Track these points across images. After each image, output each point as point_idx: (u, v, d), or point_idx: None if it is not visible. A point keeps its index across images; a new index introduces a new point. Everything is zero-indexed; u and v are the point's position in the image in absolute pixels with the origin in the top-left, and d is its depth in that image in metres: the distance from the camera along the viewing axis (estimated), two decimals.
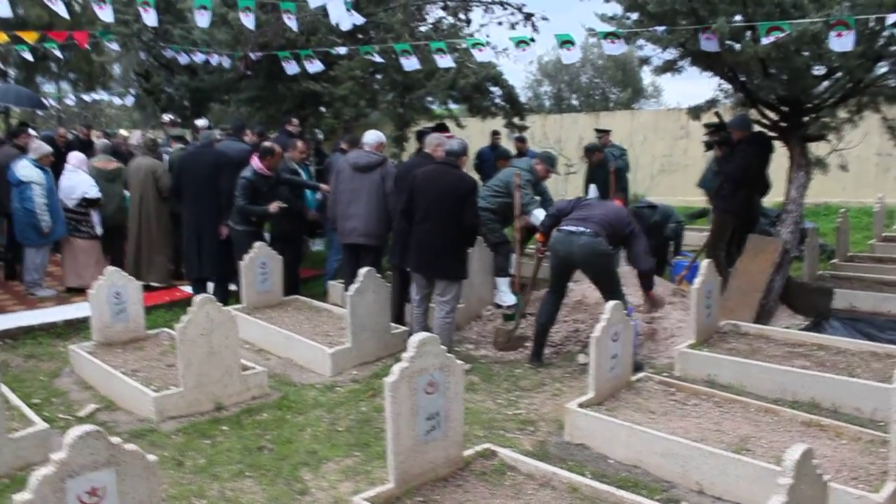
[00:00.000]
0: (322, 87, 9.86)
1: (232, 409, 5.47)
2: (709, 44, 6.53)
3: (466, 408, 5.33)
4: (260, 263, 7.62)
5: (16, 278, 9.34)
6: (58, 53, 11.83)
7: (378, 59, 9.21)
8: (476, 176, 9.60)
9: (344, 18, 8.03)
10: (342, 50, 9.62)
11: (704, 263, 6.08)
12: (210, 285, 8.08)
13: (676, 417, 4.59)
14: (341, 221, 7.45)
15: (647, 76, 31.71)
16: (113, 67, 22.01)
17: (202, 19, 8.76)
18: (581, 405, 4.67)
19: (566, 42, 7.33)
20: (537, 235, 6.45)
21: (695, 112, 7.76)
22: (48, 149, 8.51)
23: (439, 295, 6.13)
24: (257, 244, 7.61)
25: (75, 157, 8.82)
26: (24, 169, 8.13)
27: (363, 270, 6.45)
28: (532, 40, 9.13)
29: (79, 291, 8.48)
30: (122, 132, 13.05)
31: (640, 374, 5.34)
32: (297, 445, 4.80)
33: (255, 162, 7.51)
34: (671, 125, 16.59)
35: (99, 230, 8.72)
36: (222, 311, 5.50)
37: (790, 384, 5.17)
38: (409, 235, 6.32)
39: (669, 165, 15.97)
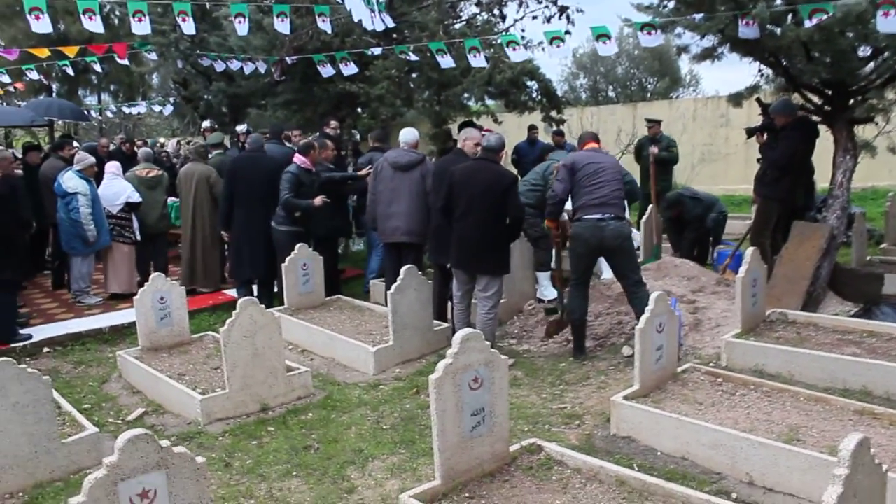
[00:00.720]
0: (358, 87, 9.91)
1: (277, 409, 5.52)
2: (748, 30, 6.41)
3: (511, 403, 5.32)
4: (301, 265, 7.69)
5: (63, 287, 9.56)
6: (97, 67, 12.04)
7: (413, 57, 9.22)
8: (514, 171, 9.54)
9: (368, 19, 8.05)
10: (377, 50, 9.65)
11: (749, 251, 5.97)
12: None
13: (724, 408, 4.52)
14: (382, 221, 7.47)
15: (684, 65, 31.31)
16: (152, 77, 22.40)
17: (241, 27, 8.86)
18: (626, 397, 4.62)
19: (602, 35, 7.26)
20: (547, 222, 6.47)
21: (735, 99, 7.61)
22: (92, 160, 8.71)
23: (482, 291, 6.12)
24: (298, 245, 7.69)
25: (112, 164, 9.08)
26: (71, 181, 8.31)
27: (404, 268, 6.47)
28: (567, 33, 9.10)
29: (122, 297, 8.68)
30: (161, 140, 13.25)
31: (686, 365, 5.27)
32: (343, 444, 4.83)
33: (298, 158, 7.64)
34: (710, 113, 16.36)
35: (138, 236, 8.90)
36: (265, 313, 5.55)
37: (840, 372, 5.05)
38: (448, 232, 6.32)
39: (710, 154, 15.72)
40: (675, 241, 9.30)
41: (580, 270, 6.13)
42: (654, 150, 10.03)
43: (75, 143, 12.22)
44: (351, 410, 5.47)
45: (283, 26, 8.89)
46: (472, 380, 3.68)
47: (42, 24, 7.59)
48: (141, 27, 8.09)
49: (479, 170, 6.19)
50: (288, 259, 7.62)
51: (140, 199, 8.80)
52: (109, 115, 18.11)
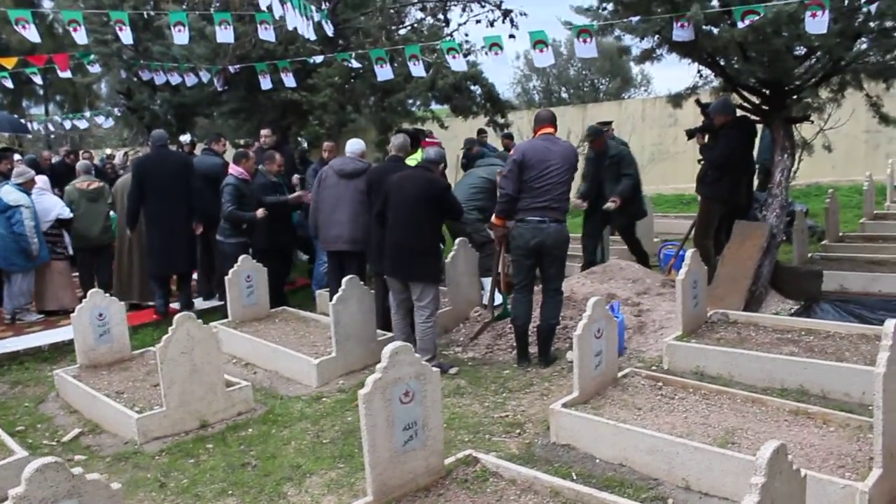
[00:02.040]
0: (300, 95, 9.78)
1: (217, 426, 5.41)
2: (683, 32, 6.47)
3: (453, 412, 5.31)
4: (245, 276, 7.57)
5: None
6: (38, 79, 11.75)
7: (356, 64, 9.13)
8: (461, 174, 9.52)
9: (303, 27, 7.97)
10: (319, 58, 9.54)
11: (689, 253, 6.00)
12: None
13: (663, 413, 4.52)
14: (325, 228, 7.40)
15: (634, 66, 31.61)
16: (100, 87, 21.96)
17: (181, 36, 8.71)
18: (566, 405, 4.60)
19: (539, 42, 7.23)
20: (496, 220, 6.29)
21: (675, 100, 7.67)
22: (32, 173, 8.53)
23: (417, 300, 6.06)
24: (242, 257, 7.57)
25: (39, 179, 8.87)
26: (11, 193, 8.10)
27: (346, 279, 6.40)
28: (512, 37, 9.06)
29: (59, 314, 8.46)
30: (108, 151, 12.99)
31: (626, 370, 5.27)
32: (282, 460, 4.73)
33: (235, 168, 7.53)
34: (659, 113, 16.51)
35: (70, 251, 8.71)
36: (202, 328, 5.44)
37: (778, 372, 5.09)
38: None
39: (660, 154, 15.87)
40: None
41: (522, 274, 6.10)
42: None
43: (16, 156, 11.92)
44: (291, 425, 5.37)
45: (225, 35, 8.76)
46: (402, 393, 3.61)
47: (30, 33, 7.41)
48: (79, 36, 7.90)
49: (413, 178, 6.19)
50: (231, 271, 7.50)
51: (71, 216, 8.62)
52: (51, 126, 17.72)
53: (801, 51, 7.04)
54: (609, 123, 11.13)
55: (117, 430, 5.40)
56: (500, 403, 5.45)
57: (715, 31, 6.71)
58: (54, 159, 12.48)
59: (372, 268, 7.12)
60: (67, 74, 11.02)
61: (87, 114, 15.16)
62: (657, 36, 6.89)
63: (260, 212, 7.54)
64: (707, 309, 6.25)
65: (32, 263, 8.33)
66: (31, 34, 7.71)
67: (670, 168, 15.76)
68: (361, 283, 6.53)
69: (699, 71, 7.76)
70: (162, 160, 8.19)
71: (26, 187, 8.26)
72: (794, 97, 7.15)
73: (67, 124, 15.78)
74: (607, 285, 7.26)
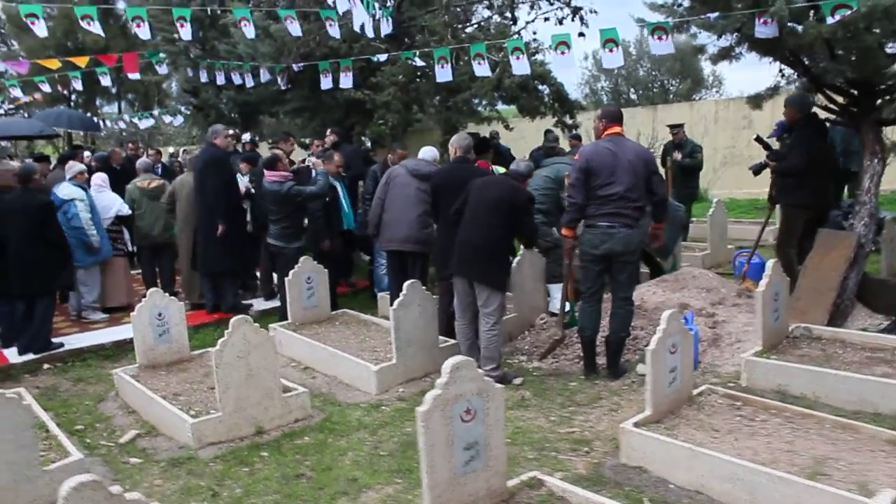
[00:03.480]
0: (363, 94, 9.65)
1: (273, 433, 5.27)
2: (766, 29, 6.08)
3: (517, 426, 5.07)
4: (305, 278, 7.47)
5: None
6: (105, 79, 11.89)
7: (420, 63, 8.95)
8: None
9: (369, 25, 7.82)
10: (383, 56, 9.39)
11: (770, 263, 5.63)
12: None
13: (743, 436, 4.19)
14: (390, 227, 7.28)
15: (707, 66, 30.79)
16: (171, 85, 22.36)
17: (248, 30, 8.68)
18: (637, 424, 4.31)
19: (609, 41, 6.89)
20: (563, 231, 5.97)
21: (755, 101, 7.26)
22: (81, 167, 8.61)
23: (483, 306, 5.84)
24: (302, 258, 7.48)
25: (98, 177, 8.99)
26: (65, 189, 8.18)
27: (407, 283, 6.21)
28: (581, 35, 8.76)
29: (120, 310, 8.50)
30: (171, 150, 13.12)
31: (703, 387, 4.95)
32: (337, 472, 4.56)
33: (271, 174, 7.49)
34: (733, 115, 15.93)
35: (130, 247, 8.76)
36: (259, 332, 5.31)
37: (870, 394, 4.70)
38: (453, 244, 6.07)
39: (733, 157, 15.31)
40: None
41: (590, 282, 5.82)
42: (677, 156, 9.66)
43: (86, 154, 12.14)
44: (349, 434, 5.20)
45: (293, 28, 8.67)
46: (463, 411, 3.40)
47: (39, 29, 7.45)
48: (142, 33, 7.93)
49: (498, 183, 6.06)
50: (291, 273, 7.40)
51: (129, 212, 8.72)
52: (122, 125, 18.10)
53: (894, 48, 6.57)
54: (680, 126, 10.75)
55: (173, 433, 5.32)
56: (566, 418, 5.19)
57: (800, 27, 6.29)
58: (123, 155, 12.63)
59: (437, 272, 6.93)
60: (136, 76, 11.14)
61: (156, 112, 15.43)
62: (736, 33, 6.51)
63: (318, 172, 7.56)
64: (789, 323, 5.87)
65: (95, 258, 8.38)
66: (96, 29, 7.75)
67: (744, 172, 15.10)
68: (423, 287, 6.34)
69: (781, 70, 7.35)
70: (201, 158, 8.27)
71: (78, 181, 8.32)
72: (886, 98, 6.68)
73: (139, 122, 16.05)
74: (680, 294, 6.92)
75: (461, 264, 5.95)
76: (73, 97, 23.36)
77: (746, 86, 38.09)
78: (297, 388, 5.68)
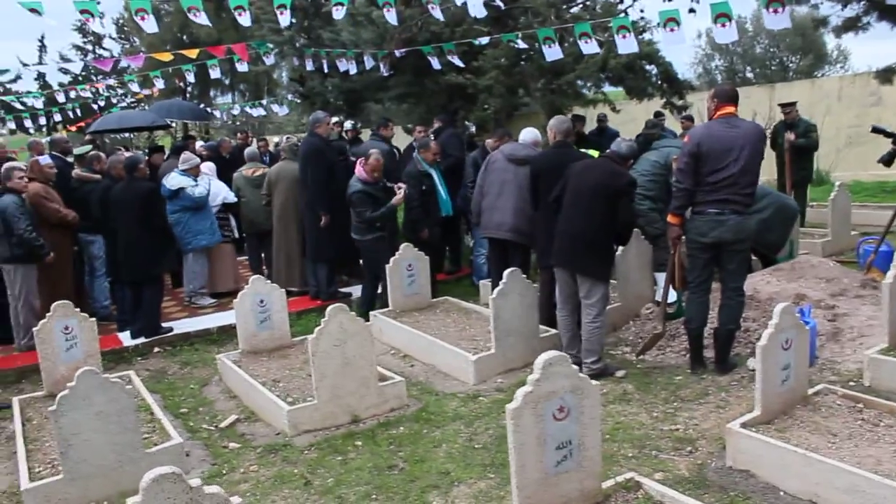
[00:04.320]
0: (465, 79, 9.51)
1: (368, 421, 5.27)
2: None
3: (617, 422, 4.87)
4: (406, 265, 7.45)
5: (181, 285, 9.77)
6: (214, 71, 12.22)
7: (523, 45, 8.73)
8: None
9: (474, 4, 7.63)
10: (485, 39, 9.22)
11: None
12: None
13: (865, 443, 3.85)
14: (487, 214, 7.15)
15: (830, 40, 29.03)
16: (280, 75, 22.87)
17: (339, 13, 8.69)
18: (745, 424, 4.03)
19: (721, 15, 6.47)
20: (670, 217, 5.61)
21: (885, 76, 6.76)
22: (197, 160, 8.88)
23: (584, 297, 5.63)
24: (403, 245, 7.47)
25: (205, 166, 9.22)
26: (173, 179, 8.49)
27: (507, 272, 6.07)
28: (692, 11, 8.38)
29: (228, 296, 8.73)
30: (275, 140, 13.39)
31: (819, 386, 4.59)
32: (430, 465, 4.49)
33: (359, 170, 7.46)
34: (858, 92, 14.91)
35: (237, 233, 8.97)
36: (356, 320, 5.30)
37: None
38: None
39: (858, 137, 14.33)
40: None
41: (697, 272, 5.51)
42: (789, 136, 9.10)
43: (198, 143, 12.54)
44: (444, 425, 5.13)
45: (390, 15, 8.63)
46: (556, 409, 3.25)
47: (148, 24, 7.66)
48: (244, 20, 8.05)
49: (598, 167, 5.76)
50: (392, 259, 7.40)
51: (235, 199, 8.93)
52: (233, 114, 18.67)
53: None
54: (793, 104, 10.12)
55: (271, 419, 5.40)
56: (670, 414, 4.94)
57: None
58: (233, 144, 13.01)
59: (539, 260, 6.75)
60: (244, 67, 11.37)
61: (265, 102, 15.80)
62: (864, 1, 6.02)
63: (397, 199, 7.51)
64: None
65: (208, 242, 8.64)
66: (202, 20, 7.91)
67: (872, 152, 14.18)
68: (524, 276, 6.18)
69: None
70: (303, 148, 8.34)
71: (191, 173, 8.59)
72: None
73: (250, 111, 16.50)
74: (796, 284, 6.49)
75: (560, 255, 5.76)
76: (189, 89, 24.32)
77: (875, 60, 35.83)
78: (394, 376, 5.65)
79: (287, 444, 5.00)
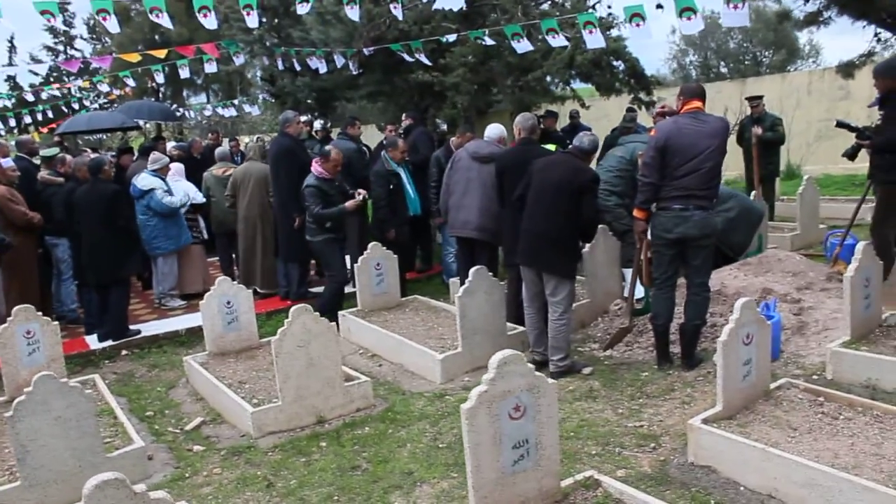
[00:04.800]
0: (431, 76, 9.46)
1: (334, 422, 5.24)
2: None
3: (582, 418, 4.86)
4: (375, 264, 7.40)
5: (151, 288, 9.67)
6: (184, 71, 12.10)
7: (490, 42, 8.70)
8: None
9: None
10: (453, 37, 9.18)
11: (860, 246, 5.20)
12: None
13: (823, 436, 3.86)
14: (453, 212, 7.15)
15: (802, 35, 29.19)
16: (255, 74, 22.70)
17: (302, 8, 8.62)
18: (707, 420, 4.03)
19: (686, 9, 6.46)
20: (636, 212, 5.60)
21: (847, 69, 6.81)
22: (167, 160, 8.82)
23: (551, 295, 5.61)
24: (371, 244, 7.41)
25: (174, 167, 9.13)
26: (144, 179, 8.39)
27: (473, 269, 6.04)
28: (659, 6, 8.36)
29: (198, 297, 8.65)
30: (245, 140, 13.29)
31: (781, 381, 4.60)
32: (394, 465, 4.46)
33: (315, 167, 7.24)
34: (828, 86, 15.02)
35: (206, 235, 8.88)
36: (320, 320, 5.25)
37: None
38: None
39: (828, 131, 14.42)
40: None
41: (663, 268, 5.51)
42: (757, 130, 9.13)
43: (169, 144, 12.41)
44: (410, 424, 5.10)
45: (353, 13, 8.56)
46: (512, 408, 3.22)
47: (111, 25, 7.58)
48: (208, 22, 7.96)
49: (560, 163, 5.71)
50: (360, 259, 7.36)
51: (203, 200, 8.88)
52: (206, 114, 18.50)
53: None
54: (760, 98, 10.17)
55: (236, 421, 5.36)
56: (635, 411, 4.94)
57: None
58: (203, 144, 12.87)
59: (505, 258, 6.72)
60: (213, 67, 11.26)
61: (236, 101, 15.67)
62: None
63: (350, 203, 7.27)
64: (882, 310, 5.43)
65: (175, 245, 8.55)
66: (165, 21, 7.83)
67: (841, 145, 14.26)
68: (491, 273, 6.15)
69: (877, 34, 6.81)
70: (273, 148, 8.27)
71: (161, 173, 8.52)
72: None
73: (221, 111, 16.36)
74: (763, 279, 6.51)
75: (525, 254, 5.74)
76: (161, 89, 24.09)
77: (846, 55, 36.08)
78: (360, 377, 5.62)
79: (251, 445, 4.96)
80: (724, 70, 31.56)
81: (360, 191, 7.46)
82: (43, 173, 8.33)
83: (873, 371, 4.71)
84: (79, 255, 7.61)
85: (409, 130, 9.17)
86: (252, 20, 8.33)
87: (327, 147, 7.44)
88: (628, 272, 7.03)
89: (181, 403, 6.01)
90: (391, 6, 8.40)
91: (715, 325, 6.02)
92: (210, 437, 5.25)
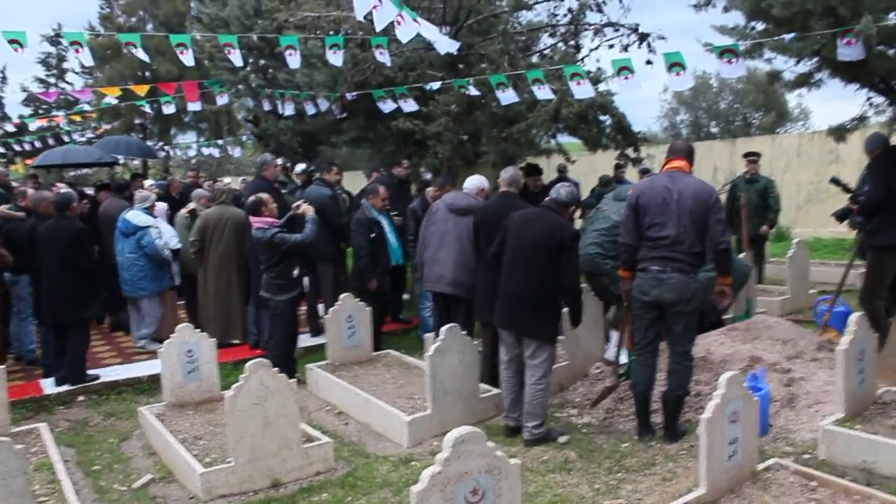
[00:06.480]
0: (413, 124, 9.26)
1: (290, 486, 4.89)
2: (850, 50, 5.42)
3: (556, 493, 4.51)
4: (346, 316, 7.08)
5: (120, 330, 9.29)
6: (168, 108, 11.90)
7: (474, 91, 8.52)
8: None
9: (442, 42, 7.39)
10: (436, 85, 9.01)
11: (855, 317, 4.92)
12: None
13: None
14: (428, 266, 6.88)
15: (792, 98, 29.42)
16: (243, 114, 22.61)
17: (293, 60, 8.50)
18: None
19: (675, 65, 6.26)
20: (620, 272, 5.34)
21: (838, 133, 6.61)
22: (154, 197, 8.68)
23: (529, 357, 5.29)
24: (343, 295, 7.10)
25: (160, 207, 8.89)
26: (138, 216, 8.19)
27: (444, 328, 5.72)
28: (649, 63, 8.25)
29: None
30: (226, 180, 13.02)
31: (770, 461, 4.27)
32: None
33: (258, 222, 6.70)
34: (818, 150, 14.97)
35: (177, 280, 8.57)
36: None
37: None
38: (497, 286, 5.53)
39: (818, 194, 14.35)
40: None
41: (642, 332, 5.20)
42: (743, 199, 8.86)
43: (147, 182, 12.14)
44: (371, 492, 4.74)
45: (336, 58, 8.39)
46: (469, 492, 2.88)
47: (84, 57, 7.40)
48: (186, 59, 7.79)
49: (537, 218, 5.39)
50: (331, 310, 7.04)
51: (179, 245, 8.53)
52: (189, 153, 18.30)
53: None
54: (758, 155, 10.01)
55: (186, 481, 5.00)
56: (612, 487, 4.58)
57: (890, 51, 5.62)
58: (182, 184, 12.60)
59: (478, 316, 6.39)
60: (196, 106, 11.04)
61: (220, 142, 15.47)
62: (816, 57, 5.86)
63: (307, 219, 6.77)
64: (877, 385, 5.12)
65: (160, 288, 8.25)
66: (188, 59, 7.70)
67: (831, 209, 14.15)
68: (464, 332, 5.83)
69: (868, 98, 6.64)
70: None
71: (151, 210, 8.36)
72: None
73: (206, 151, 16.15)
74: (751, 346, 6.20)
75: (503, 316, 5.42)
76: (147, 126, 23.91)
77: (836, 119, 36.46)
78: (321, 437, 5.28)
79: None
80: (714, 130, 31.74)
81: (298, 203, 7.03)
82: (2, 207, 8.00)
83: (869, 453, 4.37)
84: (38, 292, 7.26)
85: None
86: (236, 58, 8.15)
87: (262, 196, 6.93)
88: (615, 334, 6.72)
89: (132, 458, 5.64)
90: (377, 52, 8.22)
91: (700, 394, 5.71)
92: (157, 498, 4.88)
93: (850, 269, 7.17)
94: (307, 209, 6.87)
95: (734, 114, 31.58)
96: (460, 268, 6.56)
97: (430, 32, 7.36)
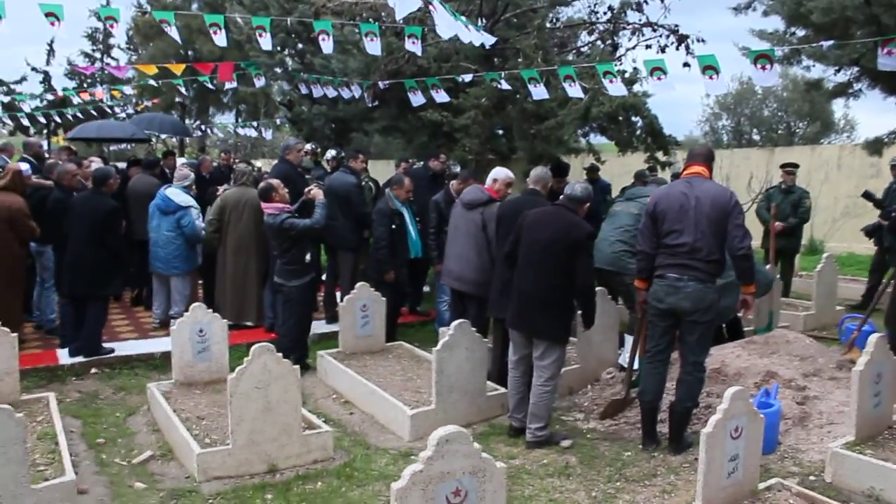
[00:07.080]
0: (441, 116, 9.17)
1: (287, 472, 4.86)
2: (890, 61, 5.22)
3: (552, 498, 4.45)
4: (360, 305, 7.05)
5: (140, 305, 9.37)
6: (207, 86, 11.98)
7: (505, 86, 8.41)
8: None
9: (465, 33, 7.31)
10: (468, 77, 8.92)
11: (873, 338, 4.76)
12: None
13: None
14: (446, 261, 6.83)
15: (838, 109, 28.72)
16: (280, 97, 22.71)
17: (326, 45, 8.48)
18: None
19: (709, 68, 6.10)
20: (636, 281, 5.27)
21: (874, 146, 6.41)
22: (192, 177, 8.64)
23: (538, 358, 5.20)
24: (359, 284, 7.07)
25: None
26: (179, 195, 8.17)
27: (454, 323, 5.66)
28: (686, 65, 8.11)
29: None
30: (258, 163, 13.07)
31: (772, 481, 4.15)
32: None
33: (269, 208, 6.69)
34: (859, 163, 14.58)
35: (200, 259, 8.58)
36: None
37: None
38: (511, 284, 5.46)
39: (855, 208, 13.98)
40: None
41: (654, 340, 5.10)
42: (777, 226, 8.63)
43: (179, 160, 12.23)
44: (367, 484, 4.70)
45: (372, 46, 8.35)
46: (451, 492, 2.82)
47: (118, 32, 7.43)
48: (219, 39, 7.80)
49: (552, 217, 5.28)
50: (346, 299, 7.00)
51: (203, 226, 8.50)
52: (221, 134, 18.44)
53: None
54: (796, 167, 9.77)
55: (184, 460, 5.00)
56: (610, 496, 4.50)
57: None
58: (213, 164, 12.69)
59: (491, 313, 6.31)
60: (232, 84, 11.09)
61: (255, 124, 15.54)
62: (856, 66, 5.67)
63: (317, 203, 6.77)
64: (894, 410, 4.96)
65: (191, 267, 8.34)
66: (220, 40, 7.71)
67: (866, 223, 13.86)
68: (474, 329, 5.75)
69: None
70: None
71: (189, 190, 8.36)
72: None
73: (242, 132, 16.24)
74: (768, 360, 6.06)
75: (515, 316, 5.33)
76: (187, 104, 24.12)
77: (884, 131, 35.62)
78: (322, 426, 5.25)
79: (193, 490, 4.60)
80: (756, 137, 31.20)
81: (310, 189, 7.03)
82: (33, 177, 8.09)
83: (878, 479, 4.23)
84: (60, 263, 7.33)
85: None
86: (265, 42, 8.14)
87: (272, 182, 6.88)
88: (630, 339, 6.61)
89: (137, 433, 5.65)
90: (409, 41, 8.16)
91: (710, 406, 5.57)
92: (155, 475, 4.88)
93: (885, 289, 6.96)
94: (317, 193, 6.86)
95: (777, 122, 31.01)
96: (467, 263, 6.49)
97: (462, 30, 7.29)
